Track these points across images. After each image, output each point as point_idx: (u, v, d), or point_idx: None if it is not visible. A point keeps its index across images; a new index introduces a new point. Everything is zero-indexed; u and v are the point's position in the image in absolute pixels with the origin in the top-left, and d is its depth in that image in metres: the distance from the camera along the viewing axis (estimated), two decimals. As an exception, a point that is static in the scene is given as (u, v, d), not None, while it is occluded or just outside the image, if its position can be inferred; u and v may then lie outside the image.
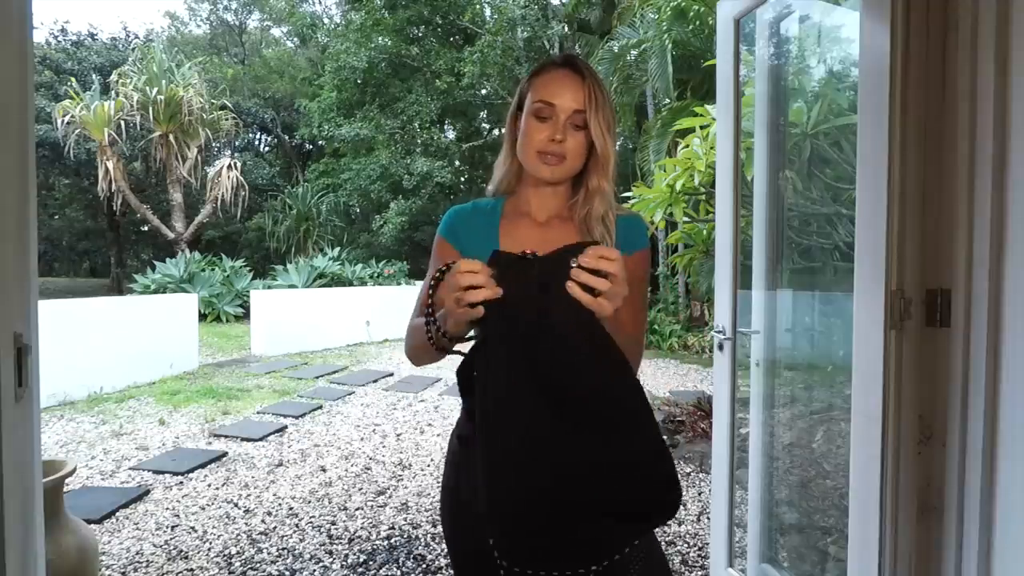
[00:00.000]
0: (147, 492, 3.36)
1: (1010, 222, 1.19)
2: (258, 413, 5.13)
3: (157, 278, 11.72)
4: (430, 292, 0.96)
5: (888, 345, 1.35)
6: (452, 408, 5.39)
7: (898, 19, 1.31)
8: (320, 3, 21.83)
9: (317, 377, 6.72)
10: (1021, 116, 1.16)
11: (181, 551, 2.70)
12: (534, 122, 1.07)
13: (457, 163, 16.65)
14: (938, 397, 1.32)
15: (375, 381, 6.56)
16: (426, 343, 0.97)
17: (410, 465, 3.88)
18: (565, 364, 0.87)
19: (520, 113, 1.12)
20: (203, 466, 3.79)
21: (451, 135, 18.09)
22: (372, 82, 15.81)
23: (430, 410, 5.35)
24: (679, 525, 2.97)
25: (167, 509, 3.15)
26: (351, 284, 11.94)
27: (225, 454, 4.01)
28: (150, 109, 12.49)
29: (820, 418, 2.40)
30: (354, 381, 6.53)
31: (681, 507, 3.17)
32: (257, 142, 22.43)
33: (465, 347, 0.97)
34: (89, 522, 2.78)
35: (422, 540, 2.82)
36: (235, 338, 9.68)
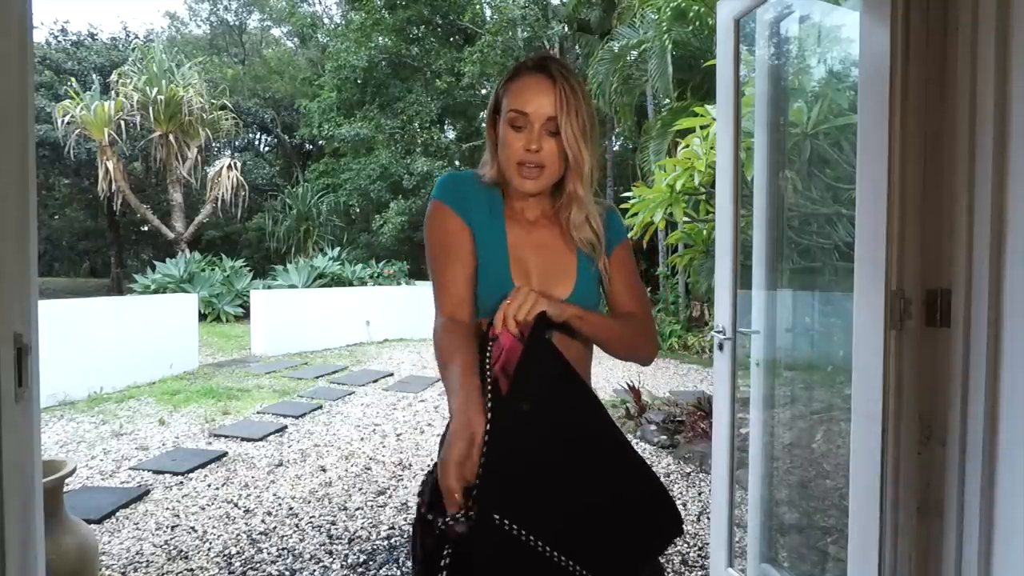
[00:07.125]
0: (147, 492, 3.36)
1: (1010, 222, 1.19)
2: (258, 413, 5.13)
3: (157, 278, 11.71)
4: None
5: (888, 345, 1.35)
6: (452, 408, 5.38)
7: (898, 19, 1.31)
8: (320, 3, 21.85)
9: (317, 377, 6.72)
10: (1021, 116, 1.16)
11: (181, 551, 2.70)
12: (510, 131, 1.06)
13: (457, 163, 16.64)
14: (938, 397, 1.32)
15: (375, 381, 6.56)
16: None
17: (410, 465, 3.88)
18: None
19: (498, 116, 1.11)
20: (203, 466, 3.79)
21: (451, 135, 18.10)
22: (372, 82, 15.83)
23: (430, 410, 5.35)
24: (679, 525, 2.97)
25: (167, 509, 3.15)
26: (351, 284, 11.95)
27: (225, 454, 4.02)
28: (150, 109, 12.48)
29: (820, 418, 2.40)
30: (354, 381, 6.53)
31: (681, 507, 3.17)
32: (257, 142, 22.42)
33: None
34: (89, 522, 2.77)
35: (422, 540, 2.82)
36: (235, 338, 9.68)
